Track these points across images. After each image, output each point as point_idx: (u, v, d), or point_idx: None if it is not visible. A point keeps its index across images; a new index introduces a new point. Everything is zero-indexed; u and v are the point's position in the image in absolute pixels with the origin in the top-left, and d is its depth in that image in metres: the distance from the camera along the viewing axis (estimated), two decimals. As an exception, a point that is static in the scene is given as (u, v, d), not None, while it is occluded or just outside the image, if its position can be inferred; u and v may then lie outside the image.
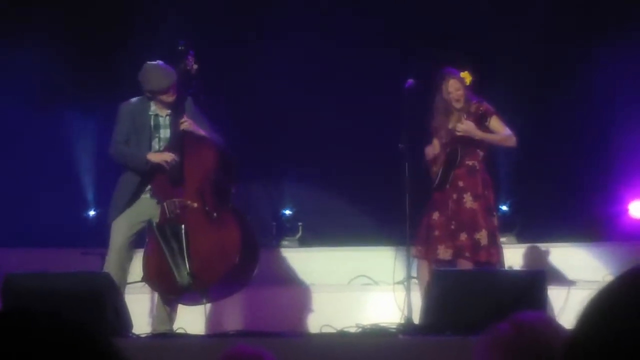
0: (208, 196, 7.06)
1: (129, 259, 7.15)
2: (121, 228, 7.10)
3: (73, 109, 9.78)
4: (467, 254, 7.15)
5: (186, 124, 7.08)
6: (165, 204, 7.03)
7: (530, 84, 9.53)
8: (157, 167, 7.05)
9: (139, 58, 7.33)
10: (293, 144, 9.71)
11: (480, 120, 7.28)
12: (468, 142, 7.29)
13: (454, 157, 7.27)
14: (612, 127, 9.32)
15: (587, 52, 9.37)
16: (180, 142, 7.09)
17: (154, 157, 7.06)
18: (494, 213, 7.31)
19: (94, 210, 9.87)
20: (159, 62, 7.10)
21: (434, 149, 7.46)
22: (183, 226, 6.92)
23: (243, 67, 9.51)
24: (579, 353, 1.39)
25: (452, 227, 7.19)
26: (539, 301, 6.03)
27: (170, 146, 7.11)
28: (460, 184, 7.28)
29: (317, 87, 9.61)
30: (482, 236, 7.18)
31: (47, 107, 9.73)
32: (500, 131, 7.36)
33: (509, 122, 7.49)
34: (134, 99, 7.22)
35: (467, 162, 7.31)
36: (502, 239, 9.08)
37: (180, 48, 7.18)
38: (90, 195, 9.94)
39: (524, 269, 8.42)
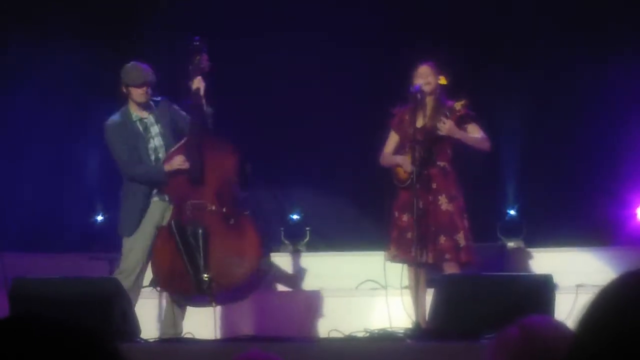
0: (226, 201, 7.08)
1: (144, 272, 7.19)
2: (141, 246, 7.12)
3: (80, 111, 9.78)
4: (447, 256, 7.13)
5: (199, 82, 7.18)
6: (186, 204, 7.05)
7: (536, 86, 9.52)
8: (172, 172, 7.13)
9: (146, 56, 7.41)
10: (301, 148, 9.71)
11: (459, 122, 7.24)
12: (438, 142, 7.27)
13: (429, 156, 7.24)
14: (620, 130, 9.31)
15: (593, 54, 9.36)
16: (198, 139, 7.13)
17: (169, 166, 7.12)
18: (465, 215, 7.28)
19: (102, 215, 9.88)
20: (140, 63, 7.24)
21: (392, 145, 7.42)
22: (201, 229, 6.93)
23: (250, 71, 9.51)
24: (581, 354, 1.41)
25: (432, 229, 7.16)
26: (546, 305, 6.03)
27: (188, 142, 7.15)
28: (434, 185, 7.22)
29: (325, 92, 9.60)
30: (461, 237, 7.15)
31: (54, 110, 9.74)
32: (477, 135, 7.33)
33: (511, 124, 7.45)
34: (114, 116, 7.29)
35: (438, 163, 7.28)
36: (510, 244, 9.10)
37: (195, 44, 7.28)
38: (97, 200, 9.95)
39: (531, 273, 8.41)
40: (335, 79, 9.59)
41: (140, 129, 7.23)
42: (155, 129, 7.25)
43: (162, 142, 7.24)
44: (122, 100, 7.38)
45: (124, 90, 7.20)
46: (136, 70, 7.16)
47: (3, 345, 1.38)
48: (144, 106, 7.23)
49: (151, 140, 7.24)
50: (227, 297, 7.12)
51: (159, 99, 7.31)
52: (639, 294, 1.43)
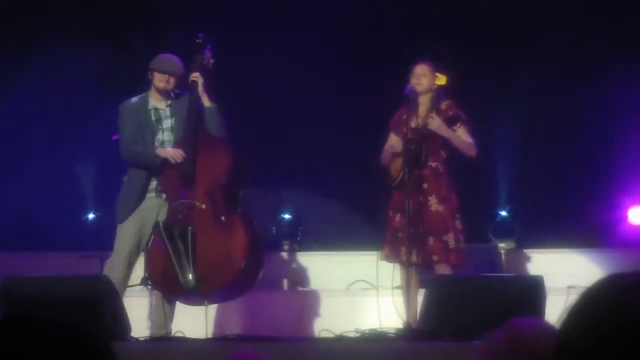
0: (218, 199, 7.06)
1: (133, 263, 7.17)
2: (128, 233, 7.11)
3: (72, 109, 9.78)
4: (435, 257, 7.10)
5: (197, 77, 7.21)
6: (174, 205, 7.04)
7: (529, 88, 9.53)
8: (167, 162, 7.12)
9: (146, 55, 7.44)
10: (293, 147, 9.71)
11: (449, 122, 7.21)
12: (432, 142, 7.23)
13: (419, 156, 7.20)
14: (612, 133, 9.33)
15: (588, 58, 9.38)
16: (193, 137, 7.13)
17: (162, 152, 7.14)
18: (458, 215, 7.24)
19: (93, 214, 9.86)
20: (173, 56, 7.31)
21: (391, 146, 7.40)
22: (190, 228, 6.92)
23: (245, 70, 9.50)
24: (566, 355, 1.43)
25: (420, 229, 7.13)
26: (538, 307, 6.03)
27: (182, 140, 7.17)
28: (425, 186, 7.18)
29: (318, 91, 9.61)
30: (451, 239, 7.12)
31: (47, 107, 9.73)
32: (464, 139, 7.29)
33: (503, 125, 7.45)
34: (133, 98, 7.34)
35: (430, 164, 7.25)
36: (501, 245, 9.10)
37: (198, 41, 7.33)
38: (89, 198, 9.94)
39: (523, 274, 8.42)
40: (331, 79, 9.59)
41: (153, 118, 7.26)
42: (167, 123, 7.27)
43: (171, 138, 7.26)
44: (122, 99, 7.42)
45: (150, 76, 7.26)
46: (165, 59, 7.27)
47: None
48: (164, 97, 7.26)
49: (160, 133, 7.26)
50: (219, 296, 7.11)
51: (183, 92, 7.32)
52: (624, 295, 1.44)
